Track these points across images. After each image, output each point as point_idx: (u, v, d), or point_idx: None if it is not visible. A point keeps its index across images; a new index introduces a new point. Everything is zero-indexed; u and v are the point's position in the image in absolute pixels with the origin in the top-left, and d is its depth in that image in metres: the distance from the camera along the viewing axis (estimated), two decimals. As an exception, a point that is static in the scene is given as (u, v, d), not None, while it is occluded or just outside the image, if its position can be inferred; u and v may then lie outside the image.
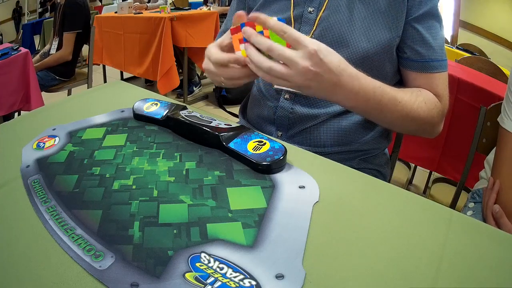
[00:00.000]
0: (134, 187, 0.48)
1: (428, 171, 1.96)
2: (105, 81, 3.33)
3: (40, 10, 6.14)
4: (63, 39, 2.28)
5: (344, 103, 0.60)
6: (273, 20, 0.52)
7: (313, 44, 0.51)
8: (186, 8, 3.26)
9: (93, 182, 0.49)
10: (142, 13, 2.96)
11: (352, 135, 0.73)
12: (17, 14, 6.04)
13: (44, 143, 0.58)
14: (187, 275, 0.34)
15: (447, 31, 4.88)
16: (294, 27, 0.71)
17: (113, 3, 5.63)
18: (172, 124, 0.62)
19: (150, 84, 3.41)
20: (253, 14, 0.53)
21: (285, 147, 0.52)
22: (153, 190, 0.47)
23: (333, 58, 0.53)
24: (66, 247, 0.38)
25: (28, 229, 0.41)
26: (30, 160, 0.54)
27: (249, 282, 0.33)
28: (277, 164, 0.50)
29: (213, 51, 0.58)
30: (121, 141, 0.59)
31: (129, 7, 3.06)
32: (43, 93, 2.10)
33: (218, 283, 0.33)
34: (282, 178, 0.49)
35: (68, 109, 0.73)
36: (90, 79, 2.39)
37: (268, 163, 0.50)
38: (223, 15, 3.14)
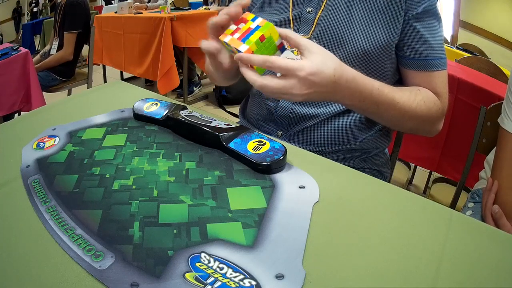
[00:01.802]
0: (134, 187, 0.48)
1: (428, 171, 1.96)
2: (105, 81, 3.33)
3: (35, 9, 6.09)
4: (64, 39, 2.28)
5: (341, 102, 0.61)
6: (256, 57, 0.52)
7: (302, 68, 0.51)
8: (186, 8, 3.25)
9: (93, 182, 0.49)
10: (142, 13, 2.96)
11: (352, 134, 0.73)
12: (17, 14, 6.04)
13: (44, 143, 0.58)
14: (187, 275, 0.34)
15: (447, 31, 4.88)
16: (293, 27, 0.71)
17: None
18: (172, 124, 0.62)
19: (150, 84, 3.41)
20: (236, 56, 0.53)
21: (285, 147, 0.52)
22: (153, 190, 0.47)
23: (327, 71, 0.53)
24: (66, 247, 0.38)
25: (28, 229, 0.41)
26: (30, 160, 0.54)
27: (249, 282, 0.33)
28: (277, 164, 0.50)
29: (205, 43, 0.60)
30: (121, 141, 0.59)
31: (129, 7, 3.06)
32: (43, 93, 2.10)
33: (218, 283, 0.33)
34: (282, 178, 0.49)
35: (68, 109, 0.73)
36: (90, 79, 2.39)
37: (268, 163, 0.50)
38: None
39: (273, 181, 0.49)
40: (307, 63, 0.52)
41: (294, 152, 0.57)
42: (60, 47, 2.33)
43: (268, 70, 0.53)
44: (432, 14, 0.66)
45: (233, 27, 0.56)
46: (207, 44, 0.59)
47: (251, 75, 0.53)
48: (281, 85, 0.52)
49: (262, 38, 0.53)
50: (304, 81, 0.52)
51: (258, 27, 0.53)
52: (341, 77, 0.55)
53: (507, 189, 0.71)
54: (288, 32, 0.54)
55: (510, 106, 0.74)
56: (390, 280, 0.35)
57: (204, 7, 3.44)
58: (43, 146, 0.58)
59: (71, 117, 0.67)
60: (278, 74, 0.53)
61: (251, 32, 0.53)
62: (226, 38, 0.55)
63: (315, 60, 0.52)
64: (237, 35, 0.54)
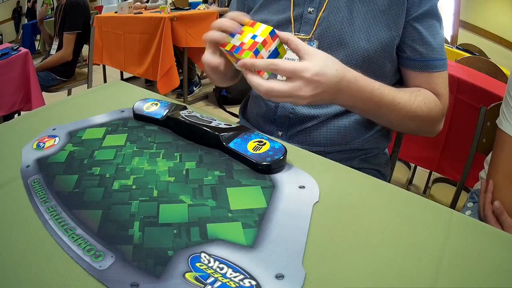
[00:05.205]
0: (134, 187, 0.48)
1: (428, 171, 1.96)
2: (105, 81, 3.33)
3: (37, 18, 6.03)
4: (63, 39, 2.28)
5: (342, 104, 0.62)
6: (260, 61, 0.52)
7: (306, 69, 0.51)
8: (186, 8, 3.25)
9: (93, 182, 0.49)
10: (142, 13, 2.96)
11: (352, 134, 0.73)
12: (17, 14, 6.03)
13: (44, 143, 0.58)
14: (187, 275, 0.34)
15: (447, 31, 4.88)
16: (294, 27, 0.71)
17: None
18: (172, 124, 0.62)
19: (150, 84, 3.41)
20: (240, 62, 0.53)
21: (285, 147, 0.52)
22: (153, 190, 0.47)
23: (330, 71, 0.53)
24: (66, 247, 0.38)
25: (28, 229, 0.41)
26: (30, 160, 0.54)
27: (249, 282, 0.33)
28: (277, 164, 0.50)
29: (207, 57, 0.61)
30: (121, 141, 0.59)
31: (129, 7, 3.06)
32: (43, 93, 2.10)
33: (218, 283, 0.33)
34: (282, 178, 0.49)
35: (68, 109, 0.73)
36: (90, 79, 2.39)
37: (268, 163, 0.50)
38: (223, 16, 3.13)
39: (273, 181, 0.49)
40: (309, 64, 0.52)
41: (294, 152, 0.57)
42: (60, 47, 2.33)
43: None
44: (433, 15, 0.66)
45: (233, 36, 0.56)
46: (211, 58, 0.60)
47: (256, 80, 0.53)
48: (288, 88, 0.52)
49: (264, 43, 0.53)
50: (310, 82, 0.52)
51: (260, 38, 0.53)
52: (344, 78, 0.55)
53: (504, 190, 0.71)
54: (290, 36, 0.54)
55: (509, 108, 0.74)
56: (390, 280, 0.35)
57: (203, 5, 3.43)
58: (43, 146, 0.58)
59: (71, 117, 0.67)
60: (281, 78, 0.53)
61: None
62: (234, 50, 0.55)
63: (317, 62, 0.53)
64: (243, 43, 0.55)
